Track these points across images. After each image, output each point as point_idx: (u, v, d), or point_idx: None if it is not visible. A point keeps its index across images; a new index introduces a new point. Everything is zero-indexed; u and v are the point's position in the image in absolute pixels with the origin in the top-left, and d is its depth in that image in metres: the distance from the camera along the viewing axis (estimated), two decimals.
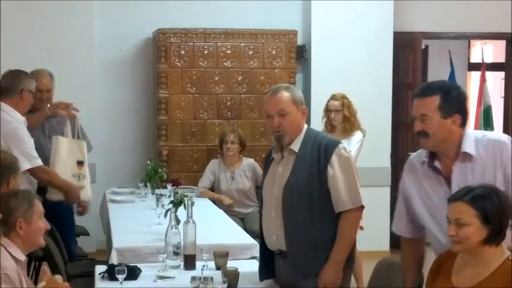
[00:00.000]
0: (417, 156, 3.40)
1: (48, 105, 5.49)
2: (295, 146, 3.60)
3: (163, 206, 5.01)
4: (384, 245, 7.54)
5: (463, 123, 3.29)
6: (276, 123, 3.57)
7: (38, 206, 3.31)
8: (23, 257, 3.21)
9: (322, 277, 3.52)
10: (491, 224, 2.86)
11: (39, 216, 3.29)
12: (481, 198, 2.89)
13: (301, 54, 7.73)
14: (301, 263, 3.55)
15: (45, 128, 5.64)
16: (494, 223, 2.87)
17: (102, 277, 3.83)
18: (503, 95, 9.15)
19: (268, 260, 3.75)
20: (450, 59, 9.16)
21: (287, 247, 3.57)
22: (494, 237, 2.89)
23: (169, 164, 7.19)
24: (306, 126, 3.70)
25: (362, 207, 3.60)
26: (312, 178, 3.54)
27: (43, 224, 3.32)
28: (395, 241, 7.78)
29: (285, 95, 3.59)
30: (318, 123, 6.41)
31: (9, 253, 3.11)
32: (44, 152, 5.42)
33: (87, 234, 6.35)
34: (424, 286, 3.32)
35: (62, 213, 5.62)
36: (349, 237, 3.59)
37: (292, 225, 3.55)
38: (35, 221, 3.25)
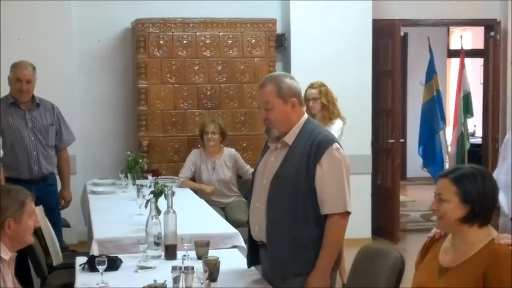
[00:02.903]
0: None
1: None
2: (289, 139, 3.50)
3: (144, 196, 5.00)
4: (366, 232, 7.61)
5: None
6: (262, 116, 3.52)
7: (30, 206, 3.28)
8: (7, 256, 3.17)
9: (309, 285, 3.43)
10: (469, 203, 2.91)
11: (30, 216, 3.26)
12: (464, 178, 2.95)
13: (281, 43, 7.73)
14: (281, 260, 3.47)
15: (27, 119, 5.63)
16: (473, 203, 2.91)
17: (83, 268, 3.80)
18: (482, 82, 9.20)
19: (254, 247, 3.70)
20: (429, 46, 9.17)
21: (267, 241, 3.51)
22: (473, 218, 2.92)
23: (149, 155, 7.18)
24: (305, 117, 3.58)
25: (348, 213, 3.47)
26: (299, 174, 3.43)
27: (32, 223, 3.28)
28: (376, 228, 7.88)
29: (270, 88, 3.48)
30: None
31: None
32: (14, 135, 5.49)
33: (68, 226, 6.37)
34: None
35: (49, 205, 5.62)
36: (335, 243, 3.47)
37: (274, 218, 3.47)
38: (24, 221, 3.22)
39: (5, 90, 5.73)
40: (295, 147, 3.49)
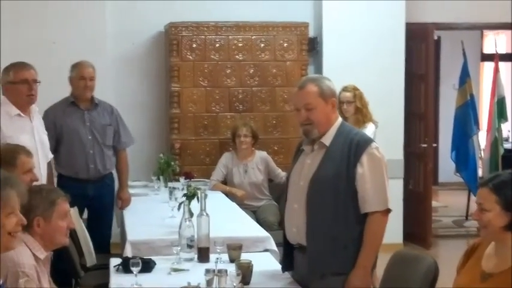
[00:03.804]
0: None
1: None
2: (327, 140, 3.54)
3: (176, 199, 5.04)
4: (397, 237, 7.56)
5: None
6: (303, 116, 3.53)
7: (61, 206, 3.27)
8: (42, 255, 3.18)
9: (351, 283, 3.45)
10: (511, 211, 2.90)
11: (61, 216, 3.25)
12: (504, 185, 2.94)
13: (313, 46, 7.72)
14: (320, 259, 3.49)
15: (85, 119, 5.69)
16: None
17: (117, 270, 3.85)
18: None
19: (290, 251, 3.71)
20: (463, 49, 9.09)
21: (307, 242, 3.52)
22: None
23: (181, 157, 7.21)
24: (340, 120, 3.63)
25: (389, 210, 3.52)
26: (339, 174, 3.46)
27: (65, 224, 3.27)
28: (407, 234, 7.84)
29: (312, 88, 3.52)
30: None
31: (30, 249, 3.11)
32: (74, 135, 5.56)
33: None
34: None
35: (104, 205, 5.76)
36: (376, 240, 3.51)
37: (315, 219, 3.49)
38: (54, 220, 3.22)
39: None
40: (333, 149, 3.52)
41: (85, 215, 5.76)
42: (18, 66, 4.86)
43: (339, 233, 3.48)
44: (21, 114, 4.80)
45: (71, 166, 5.65)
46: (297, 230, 3.59)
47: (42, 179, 4.80)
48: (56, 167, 5.66)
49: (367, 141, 3.54)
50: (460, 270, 3.17)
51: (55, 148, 5.55)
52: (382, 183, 3.50)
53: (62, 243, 3.36)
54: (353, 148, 3.48)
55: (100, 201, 5.75)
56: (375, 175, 3.48)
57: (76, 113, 5.68)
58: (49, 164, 5.14)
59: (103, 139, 5.73)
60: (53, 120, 5.58)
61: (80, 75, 5.66)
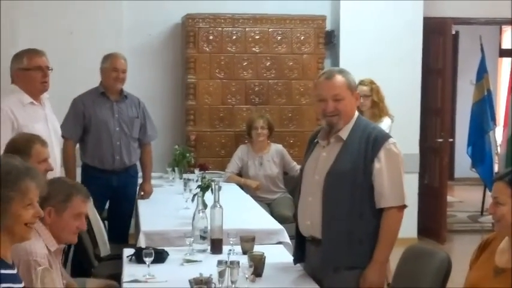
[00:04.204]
0: None
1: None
2: (344, 134, 3.52)
3: (190, 190, 5.06)
4: (412, 232, 7.54)
5: None
6: (331, 107, 3.49)
7: (77, 204, 3.25)
8: (53, 247, 3.18)
9: (367, 278, 3.45)
10: None
11: (74, 214, 3.23)
12: None
13: (330, 40, 7.69)
14: (334, 253, 3.48)
15: (114, 110, 5.70)
16: None
17: (130, 260, 3.86)
18: None
19: (302, 244, 3.70)
20: (481, 44, 9.06)
21: (322, 235, 3.51)
22: None
23: (197, 149, 7.22)
24: (356, 113, 3.62)
25: (404, 206, 3.52)
26: (356, 169, 3.45)
27: (76, 224, 3.26)
28: (422, 228, 7.81)
29: (341, 79, 3.51)
30: None
31: (43, 240, 3.11)
32: (102, 126, 5.58)
33: None
34: None
35: (126, 196, 5.77)
36: (392, 235, 3.50)
37: (331, 213, 3.48)
38: (66, 217, 3.19)
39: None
40: (350, 142, 3.51)
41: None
42: (32, 53, 4.80)
43: (354, 228, 3.47)
44: (34, 102, 4.75)
45: (97, 156, 5.65)
46: (311, 223, 3.57)
47: (57, 167, 4.81)
48: (82, 157, 5.68)
49: (384, 137, 3.54)
50: (473, 265, 3.17)
51: (81, 137, 5.57)
52: (399, 179, 3.50)
53: (69, 241, 3.36)
54: (371, 143, 3.47)
55: (123, 192, 5.77)
56: (392, 171, 3.47)
57: (105, 104, 5.68)
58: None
59: (130, 131, 5.75)
60: (82, 110, 5.60)
61: (113, 67, 5.66)
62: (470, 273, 3.15)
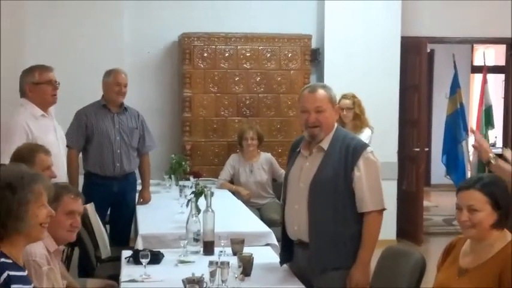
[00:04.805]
0: None
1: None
2: (325, 144, 3.52)
3: (185, 196, 5.02)
4: (391, 234, 7.52)
5: None
6: (313, 118, 3.49)
7: (66, 203, 3.25)
8: (53, 247, 3.17)
9: (353, 278, 3.46)
10: (501, 208, 2.91)
11: (66, 213, 3.23)
12: (491, 186, 2.94)
13: (315, 57, 7.70)
14: (322, 255, 3.48)
15: (115, 121, 5.67)
16: (504, 207, 2.92)
17: (128, 261, 3.84)
18: (503, 96, 9.07)
19: (288, 246, 3.70)
20: (454, 62, 9.06)
21: (310, 239, 3.50)
22: (503, 221, 2.93)
23: (192, 158, 7.20)
24: (335, 125, 3.62)
25: (384, 209, 3.53)
26: (338, 176, 3.45)
27: (69, 222, 3.26)
28: (400, 231, 7.80)
29: (323, 93, 3.52)
30: None
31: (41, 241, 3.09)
32: (104, 136, 5.55)
33: None
34: None
35: (126, 201, 5.74)
36: (374, 237, 3.51)
37: (316, 218, 3.48)
38: (58, 215, 3.09)
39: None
40: (330, 152, 3.50)
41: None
42: (43, 68, 4.78)
43: (338, 231, 3.47)
44: (45, 114, 4.73)
45: (99, 164, 5.61)
46: (298, 228, 3.57)
47: (63, 174, 4.78)
48: (84, 164, 5.63)
49: (363, 146, 3.53)
50: (440, 268, 3.16)
51: (84, 147, 5.54)
52: (378, 185, 3.50)
53: (66, 239, 3.33)
54: (350, 152, 3.47)
55: (123, 198, 5.73)
56: (371, 177, 3.47)
57: (107, 116, 5.65)
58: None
59: (130, 140, 5.72)
60: (85, 121, 5.57)
61: (116, 81, 5.64)
62: (437, 275, 3.14)
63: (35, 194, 2.57)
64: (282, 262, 3.73)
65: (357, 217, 3.48)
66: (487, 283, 2.86)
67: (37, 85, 4.70)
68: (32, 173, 2.64)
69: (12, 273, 2.49)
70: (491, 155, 3.80)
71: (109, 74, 5.69)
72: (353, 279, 3.45)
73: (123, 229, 5.73)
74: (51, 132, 4.75)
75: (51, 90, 4.74)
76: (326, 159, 3.50)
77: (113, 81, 5.64)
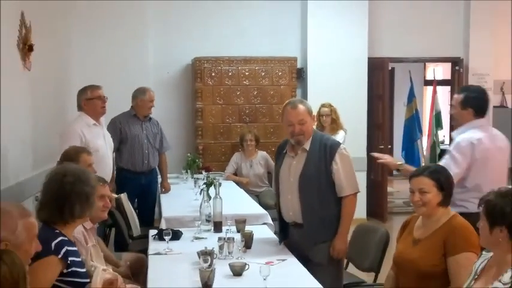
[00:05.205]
0: None
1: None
2: (307, 146, 3.52)
3: (199, 186, 5.00)
4: (362, 214, 7.52)
5: None
6: (297, 129, 3.48)
7: (99, 189, 3.16)
8: (89, 225, 3.18)
9: (335, 246, 3.45)
10: (445, 190, 2.94)
11: (98, 197, 3.18)
12: (436, 173, 2.98)
13: (300, 75, 7.69)
14: (313, 232, 3.47)
15: (143, 127, 5.67)
16: (447, 189, 2.95)
17: (154, 238, 3.84)
18: (449, 103, 9.03)
19: (284, 228, 3.68)
20: (410, 77, 9.09)
21: (303, 221, 3.49)
22: (447, 200, 2.96)
23: (204, 156, 7.18)
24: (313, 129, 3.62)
25: (358, 191, 3.54)
26: (320, 171, 3.45)
27: (102, 203, 3.25)
28: (369, 211, 7.81)
29: (303, 108, 3.50)
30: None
31: None
32: (135, 140, 5.56)
33: None
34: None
35: (151, 190, 5.75)
36: (350, 215, 3.51)
37: (307, 205, 3.48)
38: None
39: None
40: (312, 152, 3.50)
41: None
42: (94, 87, 4.82)
43: (324, 213, 3.47)
44: (96, 123, 4.76)
45: (131, 162, 5.59)
46: (292, 213, 3.56)
47: (109, 172, 4.80)
48: (117, 162, 5.60)
49: (337, 144, 3.54)
50: (399, 239, 3.17)
51: (118, 148, 5.53)
52: (352, 174, 3.51)
53: (100, 218, 3.34)
54: (327, 150, 3.47)
55: (149, 188, 5.72)
56: (346, 169, 3.47)
57: (137, 123, 5.65)
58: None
59: (154, 143, 5.72)
60: (119, 127, 5.56)
61: (150, 99, 5.69)
62: (397, 246, 3.15)
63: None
64: (281, 241, 3.70)
65: (338, 200, 3.49)
66: (434, 249, 2.88)
67: (90, 100, 4.74)
68: (93, 176, 2.76)
69: (69, 248, 2.51)
70: (397, 163, 3.91)
71: (144, 92, 5.69)
72: (335, 248, 3.46)
73: (148, 213, 5.72)
74: (100, 138, 4.77)
75: (100, 103, 4.78)
76: (309, 157, 3.50)
77: (148, 99, 5.68)
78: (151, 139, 5.69)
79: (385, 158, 3.90)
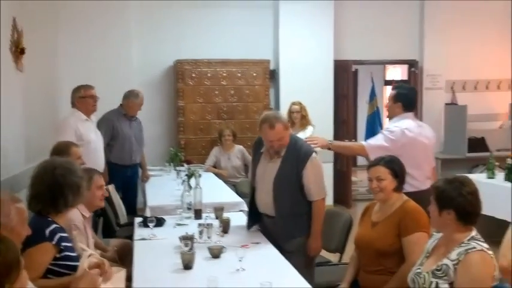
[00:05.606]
0: None
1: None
2: (282, 152, 3.45)
3: (181, 177, 4.98)
4: (329, 201, 7.54)
5: None
6: (276, 145, 3.41)
7: (97, 180, 3.24)
8: (87, 214, 3.16)
9: (311, 245, 3.41)
10: (398, 177, 3.01)
11: (97, 187, 3.22)
12: (390, 162, 3.05)
13: (273, 76, 7.70)
14: (286, 228, 3.43)
15: (131, 126, 5.66)
16: (400, 176, 3.02)
17: (139, 225, 3.81)
18: None
19: (254, 215, 3.64)
20: (372, 78, 9.16)
21: (275, 215, 3.46)
22: (400, 186, 3.03)
23: (185, 150, 7.14)
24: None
25: (325, 196, 3.49)
26: (292, 175, 3.41)
27: (100, 193, 3.25)
28: (336, 198, 7.86)
29: (280, 126, 3.39)
30: None
31: (79, 210, 3.07)
32: (125, 137, 5.53)
33: None
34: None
35: (133, 182, 5.76)
36: (320, 216, 3.45)
37: (280, 204, 3.44)
38: (93, 190, 3.19)
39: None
40: (285, 158, 3.44)
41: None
42: (87, 86, 4.84)
43: (296, 210, 3.43)
44: (88, 119, 4.78)
45: (120, 156, 5.55)
46: (266, 206, 3.53)
47: (102, 163, 4.81)
48: (107, 156, 5.53)
49: (308, 153, 3.44)
50: (359, 224, 3.21)
51: (108, 143, 5.46)
52: (320, 181, 3.46)
53: (99, 205, 3.34)
54: (300, 158, 3.41)
55: (132, 179, 5.71)
56: (315, 176, 3.43)
57: (126, 121, 5.63)
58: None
59: (139, 140, 5.73)
60: (111, 124, 5.52)
61: (141, 102, 5.70)
62: (357, 230, 3.19)
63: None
64: (248, 227, 3.68)
65: (308, 200, 3.45)
66: (390, 230, 2.93)
67: (83, 98, 4.77)
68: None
69: (62, 234, 2.50)
70: (328, 141, 4.00)
71: (137, 96, 5.67)
72: (311, 248, 3.42)
73: (132, 201, 5.70)
74: (92, 131, 4.81)
75: (92, 102, 4.81)
76: (283, 162, 3.45)
77: (139, 102, 5.69)
78: (137, 136, 5.69)
79: (313, 139, 3.88)
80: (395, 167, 3.01)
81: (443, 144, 8.25)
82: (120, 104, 5.66)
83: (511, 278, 1.64)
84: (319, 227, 3.46)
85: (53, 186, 2.56)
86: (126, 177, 5.58)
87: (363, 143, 4.01)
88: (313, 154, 3.46)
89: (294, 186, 3.41)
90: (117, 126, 5.53)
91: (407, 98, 3.97)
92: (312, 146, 3.56)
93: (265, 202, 3.53)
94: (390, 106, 4.00)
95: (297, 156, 3.41)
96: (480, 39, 8.19)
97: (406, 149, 3.69)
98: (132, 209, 5.53)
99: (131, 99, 5.63)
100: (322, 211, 3.47)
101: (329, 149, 3.92)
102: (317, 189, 3.42)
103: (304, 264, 3.35)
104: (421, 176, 3.77)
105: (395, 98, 3.97)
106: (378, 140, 3.86)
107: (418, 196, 3.15)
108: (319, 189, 3.44)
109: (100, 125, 5.46)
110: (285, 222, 3.44)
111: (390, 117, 4.04)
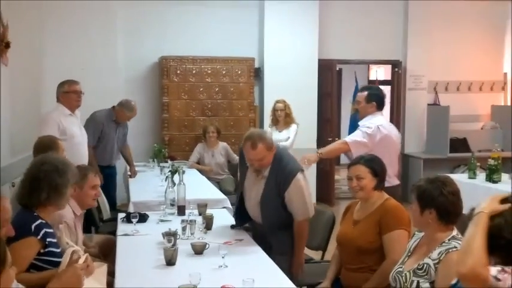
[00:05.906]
0: None
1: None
2: (266, 172, 3.34)
3: (165, 173, 4.96)
4: (312, 199, 7.52)
5: None
6: (257, 165, 3.31)
7: (91, 179, 3.21)
8: (78, 212, 3.15)
9: (294, 263, 3.32)
10: (378, 176, 3.03)
11: (91, 186, 3.20)
12: (370, 161, 3.07)
13: (258, 74, 7.70)
14: (272, 234, 3.34)
15: (117, 131, 5.65)
16: (380, 175, 3.04)
17: (123, 221, 3.79)
18: (390, 101, 9.22)
19: (241, 216, 3.57)
20: (355, 77, 9.21)
21: (263, 223, 3.39)
22: (380, 184, 3.05)
23: (169, 146, 7.12)
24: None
25: (309, 217, 3.37)
26: (276, 195, 3.30)
27: (94, 192, 3.23)
28: (319, 196, 7.90)
29: (261, 147, 3.23)
30: (268, 118, 6.46)
31: (71, 207, 3.06)
32: (109, 140, 5.52)
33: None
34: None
35: (113, 179, 5.74)
36: (303, 237, 3.36)
37: (266, 218, 3.37)
38: (86, 189, 3.17)
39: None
40: (270, 177, 3.34)
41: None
42: (71, 82, 4.81)
43: (280, 221, 3.33)
44: (72, 114, 4.76)
45: (102, 157, 5.51)
46: (255, 216, 3.46)
47: (86, 156, 4.79)
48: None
49: (293, 174, 3.28)
50: (341, 222, 3.22)
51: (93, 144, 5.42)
52: (304, 201, 3.31)
53: (91, 205, 3.33)
54: (283, 178, 3.28)
55: (112, 177, 5.69)
56: (298, 197, 3.30)
57: (113, 126, 5.61)
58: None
59: (121, 142, 5.75)
60: (100, 128, 5.49)
61: (132, 116, 5.69)
62: (339, 228, 3.20)
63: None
64: (233, 227, 3.62)
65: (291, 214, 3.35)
66: (371, 228, 2.95)
67: (67, 93, 4.75)
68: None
69: (47, 230, 2.50)
70: (317, 152, 4.17)
71: (132, 110, 5.64)
72: (295, 265, 3.32)
73: (112, 198, 5.65)
74: (76, 126, 4.79)
75: (75, 97, 4.78)
76: (267, 182, 3.34)
77: (131, 115, 5.67)
78: (119, 141, 5.73)
79: (306, 162, 3.92)
80: (375, 166, 3.04)
81: (425, 144, 8.33)
82: (113, 107, 5.62)
83: (473, 285, 1.61)
84: (302, 246, 3.38)
85: (33, 179, 2.59)
86: (107, 175, 5.54)
87: (346, 139, 4.21)
88: (298, 174, 3.28)
89: (279, 206, 3.32)
90: (105, 129, 5.53)
91: (379, 98, 4.22)
92: (302, 165, 3.45)
93: (254, 213, 3.46)
94: (363, 106, 4.21)
95: (280, 176, 3.29)
96: (463, 40, 8.29)
97: (381, 145, 3.88)
98: (113, 204, 5.50)
99: (124, 110, 5.61)
100: (304, 232, 3.35)
101: (321, 160, 3.98)
102: (301, 210, 3.31)
103: (290, 265, 3.30)
104: (393, 173, 4.00)
105: (368, 98, 4.19)
106: (357, 136, 4.09)
107: (390, 192, 3.21)
108: (303, 209, 3.31)
109: (89, 124, 5.42)
110: (270, 228, 3.37)
111: (362, 117, 4.25)
